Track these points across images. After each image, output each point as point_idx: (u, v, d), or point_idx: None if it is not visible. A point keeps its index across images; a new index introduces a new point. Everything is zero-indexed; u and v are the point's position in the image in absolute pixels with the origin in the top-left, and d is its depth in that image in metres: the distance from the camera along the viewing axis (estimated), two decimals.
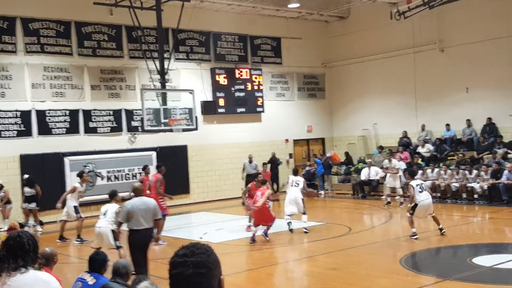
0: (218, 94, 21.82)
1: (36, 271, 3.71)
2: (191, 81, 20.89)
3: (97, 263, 6.03)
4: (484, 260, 10.09)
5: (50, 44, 18.28)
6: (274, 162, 21.62)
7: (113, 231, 10.27)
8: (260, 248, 12.44)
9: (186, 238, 13.58)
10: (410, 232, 12.30)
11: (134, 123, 19.77)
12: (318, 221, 15.20)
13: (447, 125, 20.71)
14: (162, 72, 17.77)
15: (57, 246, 13.04)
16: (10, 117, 17.51)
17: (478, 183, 17.49)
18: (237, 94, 22.27)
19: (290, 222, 13.82)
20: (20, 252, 3.64)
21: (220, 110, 21.84)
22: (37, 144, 17.90)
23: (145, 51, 18.81)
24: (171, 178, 17.00)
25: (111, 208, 10.70)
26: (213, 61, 22.08)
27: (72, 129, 18.60)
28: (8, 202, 16.11)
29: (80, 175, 14.68)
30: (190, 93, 18.01)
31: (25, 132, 17.73)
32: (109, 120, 19.43)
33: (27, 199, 15.88)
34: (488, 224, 15.11)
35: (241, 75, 22.40)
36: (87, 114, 18.95)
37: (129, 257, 8.85)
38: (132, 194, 9.57)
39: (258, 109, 22.94)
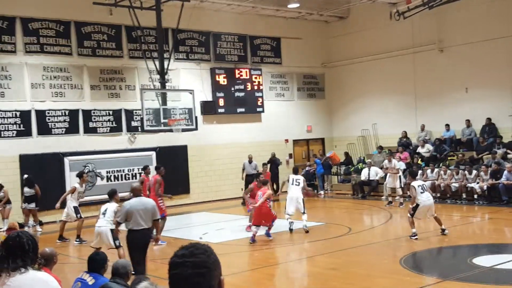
0: (218, 94, 21.82)
1: (35, 272, 3.71)
2: (190, 81, 20.89)
3: (96, 263, 6.02)
4: (484, 261, 10.09)
5: (50, 44, 18.27)
6: (274, 163, 21.61)
7: (112, 230, 10.26)
8: (260, 248, 12.44)
9: (185, 238, 13.57)
10: (410, 232, 12.30)
11: (133, 123, 19.76)
12: (318, 221, 15.20)
13: (447, 125, 20.71)
14: (162, 72, 17.77)
15: (57, 246, 13.03)
16: (10, 117, 17.49)
17: (477, 183, 17.48)
18: (236, 94, 22.27)
19: (292, 222, 13.86)
20: (19, 252, 3.63)
21: (219, 110, 21.84)
22: (37, 144, 17.89)
23: (144, 51, 18.80)
24: (171, 178, 17.00)
25: (110, 207, 10.70)
26: (213, 61, 22.08)
27: (72, 129, 18.59)
28: (8, 202, 16.10)
29: (79, 175, 14.66)
30: (190, 93, 18.01)
31: (25, 132, 17.72)
32: (109, 120, 19.42)
33: (26, 199, 15.88)
34: (488, 224, 15.12)
35: (241, 75, 22.40)
36: (87, 114, 18.94)
37: (128, 257, 8.85)
38: (131, 194, 9.57)
39: (258, 109, 22.94)
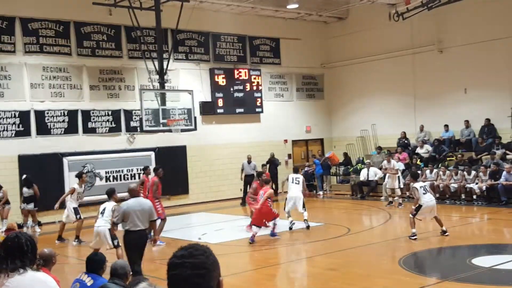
0: (217, 95, 21.82)
1: (34, 272, 3.70)
2: (190, 81, 20.88)
3: (95, 264, 6.01)
4: (483, 261, 10.10)
5: (49, 44, 18.26)
6: (273, 163, 21.60)
7: (110, 230, 10.26)
8: (260, 248, 12.44)
9: (185, 238, 13.58)
10: (409, 233, 12.30)
11: (133, 123, 19.74)
12: (317, 222, 15.20)
13: (446, 126, 20.71)
14: (161, 73, 17.77)
15: (56, 246, 13.03)
16: (9, 117, 17.46)
17: (476, 184, 17.49)
18: (236, 94, 22.26)
19: (294, 222, 13.91)
20: (18, 253, 3.62)
21: (219, 111, 21.83)
22: (36, 144, 17.87)
23: (144, 51, 18.80)
24: (170, 179, 17.00)
25: (108, 206, 10.68)
26: (212, 62, 22.07)
27: (71, 129, 18.57)
28: (7, 202, 16.08)
29: (78, 176, 14.64)
30: (189, 93, 18.01)
31: (24, 132, 17.69)
32: (108, 120, 19.40)
33: (25, 200, 15.87)
34: (487, 224, 15.13)
35: (240, 76, 22.39)
36: (86, 114, 18.92)
37: (125, 258, 8.85)
38: (128, 195, 9.57)
39: (257, 110, 22.93)
